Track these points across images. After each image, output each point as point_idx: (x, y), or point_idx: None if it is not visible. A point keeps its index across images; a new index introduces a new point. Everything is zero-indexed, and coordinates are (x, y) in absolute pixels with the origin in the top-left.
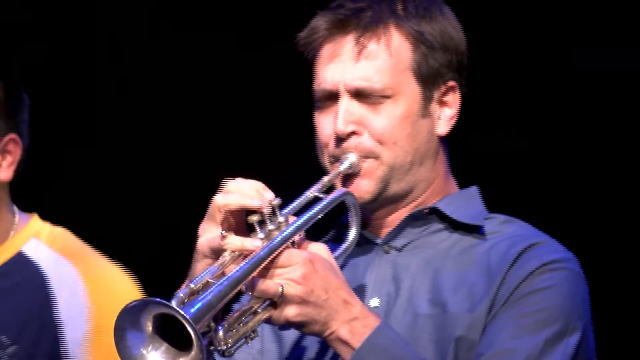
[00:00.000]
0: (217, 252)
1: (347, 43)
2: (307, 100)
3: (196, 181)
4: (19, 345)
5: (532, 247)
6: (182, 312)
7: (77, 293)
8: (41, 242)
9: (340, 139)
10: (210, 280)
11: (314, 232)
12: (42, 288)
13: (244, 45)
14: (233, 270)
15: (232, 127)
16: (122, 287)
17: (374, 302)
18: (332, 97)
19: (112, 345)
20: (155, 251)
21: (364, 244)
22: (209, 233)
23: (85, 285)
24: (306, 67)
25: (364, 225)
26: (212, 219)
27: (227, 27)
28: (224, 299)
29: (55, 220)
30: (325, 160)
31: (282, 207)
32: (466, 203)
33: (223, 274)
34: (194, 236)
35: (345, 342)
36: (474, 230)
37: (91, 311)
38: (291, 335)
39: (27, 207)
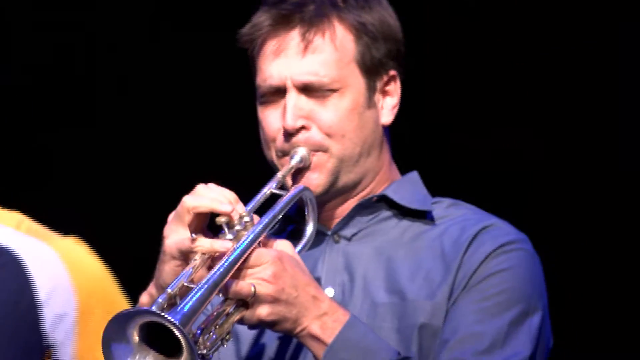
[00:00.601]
0: (185, 255)
1: (293, 39)
2: None
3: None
4: None
5: (484, 229)
6: (171, 318)
7: (57, 273)
8: (4, 225)
9: (289, 134)
10: (187, 284)
11: None
12: (19, 272)
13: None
14: (210, 273)
15: (231, 125)
16: (95, 267)
17: (329, 292)
18: (278, 92)
19: (98, 330)
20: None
21: (315, 236)
22: (176, 234)
23: (65, 266)
24: None
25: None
26: (180, 221)
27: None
28: (205, 303)
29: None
30: (273, 154)
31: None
32: (412, 189)
33: (193, 280)
34: None
35: (317, 338)
36: (423, 215)
37: (75, 294)
38: (248, 332)
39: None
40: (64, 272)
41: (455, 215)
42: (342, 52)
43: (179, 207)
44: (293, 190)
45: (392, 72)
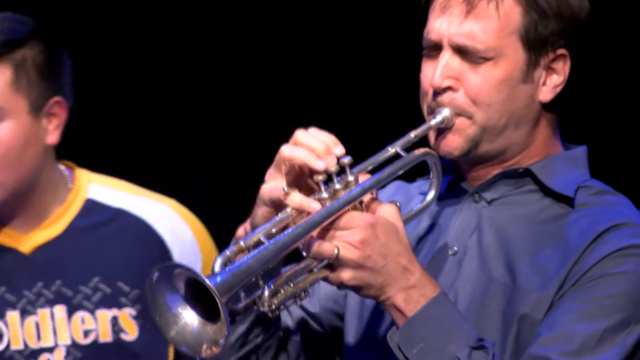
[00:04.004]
0: (277, 204)
1: (459, 0)
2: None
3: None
4: (140, 290)
5: (613, 228)
6: (209, 282)
7: (181, 230)
8: (102, 185)
9: (436, 92)
10: (262, 239)
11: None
12: (145, 230)
13: None
14: (282, 233)
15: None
16: (201, 225)
17: (453, 250)
18: (437, 47)
19: None
20: None
21: (456, 193)
22: (273, 181)
23: (184, 222)
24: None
25: (460, 176)
26: (278, 168)
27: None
28: (267, 264)
29: None
30: (424, 108)
31: (359, 161)
32: (564, 167)
33: (284, 228)
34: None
35: (399, 310)
36: (565, 199)
37: (199, 249)
38: None
39: None
40: (186, 229)
41: (595, 205)
42: (506, 22)
43: (277, 155)
44: (413, 153)
45: (561, 51)
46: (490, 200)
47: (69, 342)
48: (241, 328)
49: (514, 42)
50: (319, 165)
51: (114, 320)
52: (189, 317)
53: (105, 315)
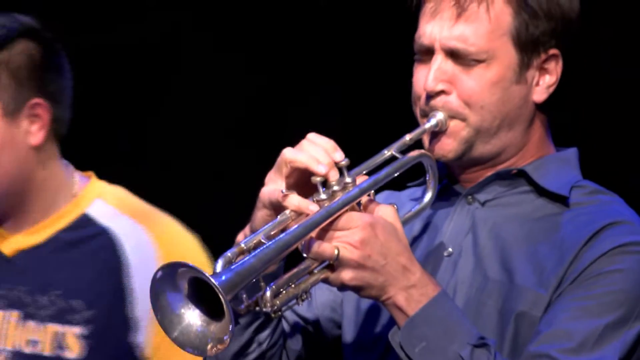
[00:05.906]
0: (276, 206)
1: (449, 3)
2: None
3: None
4: (95, 311)
5: (610, 226)
6: (213, 280)
7: (149, 258)
8: (107, 203)
9: (429, 96)
10: (262, 240)
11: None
12: (116, 253)
13: None
14: (282, 233)
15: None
16: (190, 250)
17: (448, 251)
18: (429, 52)
19: None
20: None
21: (449, 196)
22: (273, 184)
23: (158, 250)
24: None
25: (453, 180)
26: (279, 171)
27: None
28: (268, 263)
29: None
30: (417, 112)
31: (357, 164)
32: (557, 168)
33: (283, 230)
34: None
35: (400, 309)
36: (559, 199)
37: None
38: None
39: None
40: (155, 259)
41: (589, 204)
42: (496, 24)
43: (279, 158)
44: (409, 155)
45: (553, 51)
46: (484, 202)
47: (13, 348)
48: (245, 335)
49: (505, 44)
50: (321, 169)
51: (60, 336)
52: (192, 317)
53: (53, 329)
